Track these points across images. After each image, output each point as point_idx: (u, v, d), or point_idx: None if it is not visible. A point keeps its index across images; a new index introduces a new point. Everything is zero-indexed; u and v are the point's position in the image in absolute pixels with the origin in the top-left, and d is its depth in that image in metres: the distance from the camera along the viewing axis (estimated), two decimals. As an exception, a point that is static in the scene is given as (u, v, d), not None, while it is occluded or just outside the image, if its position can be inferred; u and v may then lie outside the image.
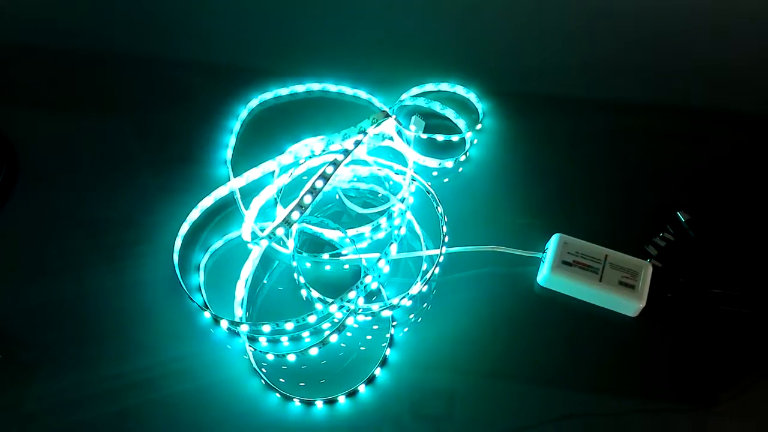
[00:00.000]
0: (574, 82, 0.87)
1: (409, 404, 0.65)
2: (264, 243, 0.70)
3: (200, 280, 0.70)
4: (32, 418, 0.64)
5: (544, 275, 0.69)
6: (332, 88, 0.84)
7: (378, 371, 0.66)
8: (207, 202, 0.74)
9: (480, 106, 0.83)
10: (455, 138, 0.80)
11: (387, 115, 0.73)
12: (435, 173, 0.79)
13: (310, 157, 0.76)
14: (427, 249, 0.72)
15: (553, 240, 0.70)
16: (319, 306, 0.67)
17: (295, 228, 0.70)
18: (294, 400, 0.64)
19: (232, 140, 0.80)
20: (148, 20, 0.92)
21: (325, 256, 0.71)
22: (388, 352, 0.66)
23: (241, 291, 0.69)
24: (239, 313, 0.68)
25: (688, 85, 0.87)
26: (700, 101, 0.86)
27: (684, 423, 0.65)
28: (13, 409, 0.64)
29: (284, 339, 0.67)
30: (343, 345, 0.67)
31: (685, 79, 0.88)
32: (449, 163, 0.78)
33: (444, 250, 0.70)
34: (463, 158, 0.79)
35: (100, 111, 0.83)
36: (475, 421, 0.64)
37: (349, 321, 0.67)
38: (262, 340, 0.67)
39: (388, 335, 0.67)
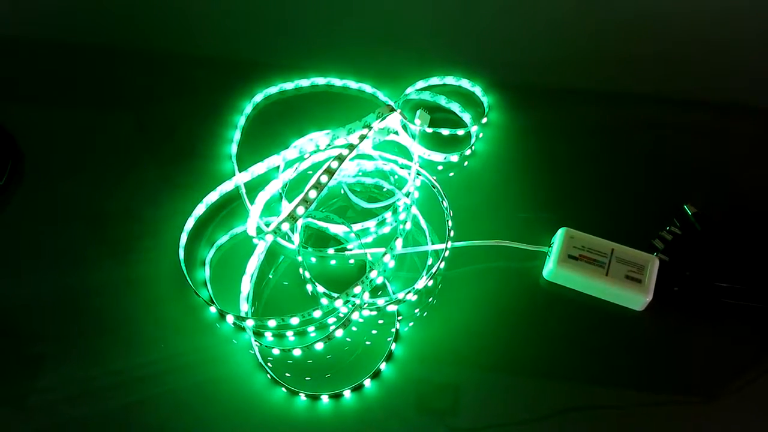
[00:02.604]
0: (581, 75, 0.87)
1: (415, 399, 0.65)
2: (269, 238, 0.70)
3: (206, 274, 0.70)
4: (37, 411, 0.64)
5: (550, 269, 0.69)
6: (337, 82, 0.84)
7: (383, 366, 0.66)
8: (212, 197, 0.74)
9: (485, 100, 0.83)
10: (460, 132, 0.80)
11: (392, 110, 0.73)
12: (440, 167, 0.78)
13: (315, 152, 0.76)
14: (433, 243, 0.72)
15: (559, 234, 0.70)
16: (324, 301, 0.67)
17: (300, 223, 0.69)
18: (300, 394, 0.64)
19: (236, 135, 0.79)
20: (151, 14, 0.92)
21: (331, 251, 0.71)
22: (393, 346, 0.67)
23: (246, 286, 0.69)
24: (245, 307, 0.68)
25: (695, 78, 0.87)
26: (707, 94, 0.85)
27: (690, 416, 0.65)
28: (18, 402, 0.64)
29: (290, 334, 0.67)
30: (348, 340, 0.67)
31: (692, 71, 0.87)
32: (454, 157, 0.78)
33: (449, 244, 0.70)
34: (468, 152, 0.79)
35: (104, 106, 0.83)
36: (481, 415, 0.64)
37: (355, 316, 0.67)
38: (268, 334, 0.67)
39: (393, 330, 0.67)
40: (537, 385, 0.66)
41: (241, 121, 0.81)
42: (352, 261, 0.72)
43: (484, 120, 0.81)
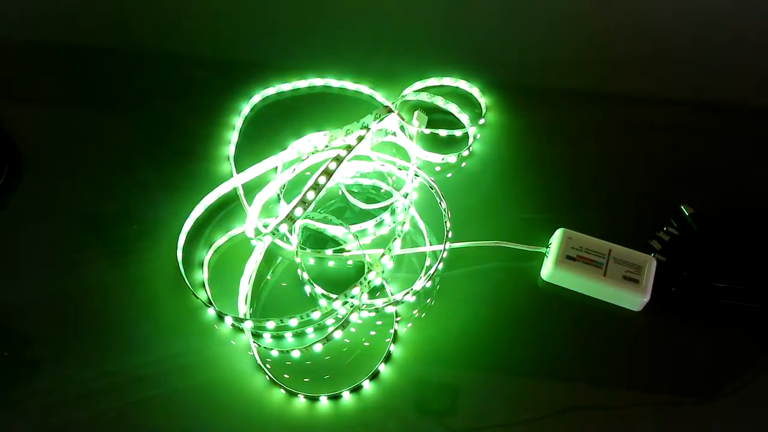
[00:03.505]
0: (578, 76, 0.87)
1: (414, 400, 0.65)
2: (267, 239, 0.70)
3: (204, 276, 0.70)
4: (36, 413, 0.64)
5: (547, 270, 0.69)
6: (334, 83, 0.84)
7: (382, 367, 0.66)
8: (210, 199, 0.74)
9: (483, 101, 0.83)
10: (458, 133, 0.80)
11: (390, 111, 0.73)
12: (438, 168, 0.78)
13: (313, 153, 0.76)
14: (431, 244, 0.72)
15: (557, 235, 0.70)
16: (323, 302, 0.67)
17: (298, 224, 0.69)
18: (298, 395, 0.64)
19: (234, 136, 0.79)
20: (149, 15, 0.92)
21: (329, 252, 0.71)
22: (392, 347, 0.67)
23: (244, 287, 0.69)
24: (243, 309, 0.68)
25: (692, 79, 0.87)
26: (705, 94, 0.86)
27: (687, 416, 0.65)
28: (16, 404, 0.64)
29: (288, 335, 0.67)
30: (347, 341, 0.67)
31: (689, 72, 0.88)
32: (452, 158, 0.78)
33: (447, 245, 0.70)
34: (466, 153, 0.79)
35: (102, 106, 0.83)
36: (479, 416, 0.64)
37: (353, 317, 0.67)
38: (267, 336, 0.67)
39: (391, 331, 0.67)
40: (535, 386, 0.66)
41: (239, 122, 0.81)
42: (350, 262, 0.72)
43: (482, 121, 0.81)
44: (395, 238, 0.69)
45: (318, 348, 0.66)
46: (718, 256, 0.71)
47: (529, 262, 0.71)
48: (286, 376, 0.65)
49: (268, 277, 0.71)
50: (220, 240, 0.72)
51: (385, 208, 0.74)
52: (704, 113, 0.84)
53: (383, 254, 0.67)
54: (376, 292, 0.70)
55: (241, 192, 0.75)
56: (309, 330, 0.67)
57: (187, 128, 0.81)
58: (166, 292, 0.69)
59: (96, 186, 0.77)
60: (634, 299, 0.68)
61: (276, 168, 0.76)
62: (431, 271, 0.69)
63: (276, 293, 0.70)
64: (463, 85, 0.84)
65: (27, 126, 0.80)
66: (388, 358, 0.66)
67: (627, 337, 0.69)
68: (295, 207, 0.68)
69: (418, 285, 0.68)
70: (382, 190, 0.76)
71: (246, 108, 0.82)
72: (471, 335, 0.68)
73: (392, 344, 0.67)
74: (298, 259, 0.69)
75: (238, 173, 0.76)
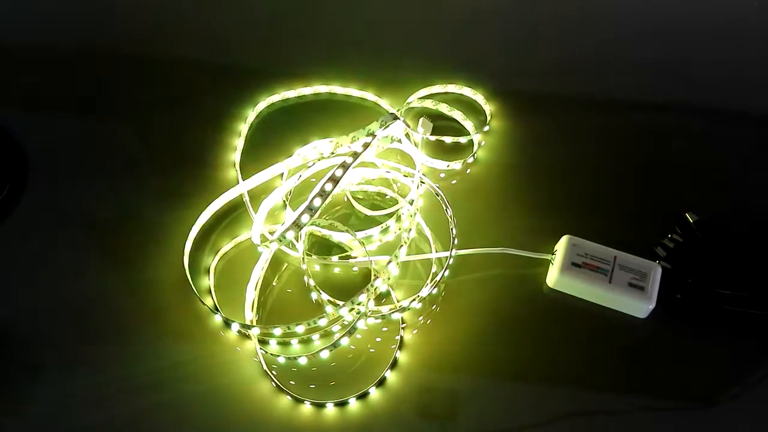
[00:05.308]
0: (582, 83, 0.87)
1: (420, 406, 0.65)
2: (274, 246, 0.70)
3: (210, 282, 0.70)
4: (39, 419, 0.64)
5: (553, 277, 0.69)
6: (339, 90, 0.84)
7: (388, 373, 0.66)
8: (216, 205, 0.74)
9: (487, 108, 0.83)
10: (463, 140, 0.80)
11: (395, 118, 0.74)
12: (443, 175, 0.79)
13: (319, 160, 0.76)
14: (436, 251, 0.72)
15: (562, 241, 0.70)
16: (329, 308, 0.67)
17: (304, 231, 0.70)
18: (305, 402, 0.64)
19: (240, 143, 0.80)
20: (154, 21, 0.92)
21: (335, 258, 0.71)
22: (398, 354, 0.67)
23: (251, 294, 0.69)
24: (249, 315, 0.68)
25: (697, 85, 0.87)
26: (710, 100, 0.86)
27: (691, 423, 0.65)
28: (20, 410, 0.64)
29: (294, 341, 0.67)
30: (353, 347, 0.67)
31: (694, 78, 0.88)
32: (457, 165, 0.79)
33: (453, 252, 0.70)
34: (470, 160, 0.79)
35: (107, 113, 0.83)
36: (485, 422, 0.64)
37: (360, 323, 0.67)
38: (273, 342, 0.67)
39: (397, 337, 0.67)
40: (541, 392, 0.66)
41: (244, 129, 0.81)
42: (356, 269, 0.72)
43: (486, 128, 0.81)
44: (401, 245, 0.69)
45: (324, 354, 0.66)
46: (722, 264, 0.71)
47: (535, 269, 0.72)
48: (292, 382, 0.65)
49: (274, 284, 0.71)
50: (227, 246, 0.72)
51: (390, 215, 0.74)
52: (709, 119, 0.84)
53: (389, 261, 0.68)
54: (382, 298, 0.70)
55: (246, 198, 0.75)
56: (315, 336, 0.67)
57: (193, 135, 0.81)
58: (172, 299, 0.69)
59: (102, 193, 0.77)
60: (639, 306, 0.68)
61: (282, 174, 0.76)
62: (437, 278, 0.69)
63: (282, 300, 0.70)
64: (467, 92, 0.84)
65: (32, 133, 0.80)
66: (394, 365, 0.66)
67: (632, 343, 0.69)
68: (302, 214, 0.68)
69: (424, 292, 0.69)
70: (388, 197, 0.76)
71: (251, 115, 0.82)
72: (477, 341, 0.68)
73: (398, 351, 0.67)
74: (304, 266, 0.69)
75: (243, 180, 0.76)
